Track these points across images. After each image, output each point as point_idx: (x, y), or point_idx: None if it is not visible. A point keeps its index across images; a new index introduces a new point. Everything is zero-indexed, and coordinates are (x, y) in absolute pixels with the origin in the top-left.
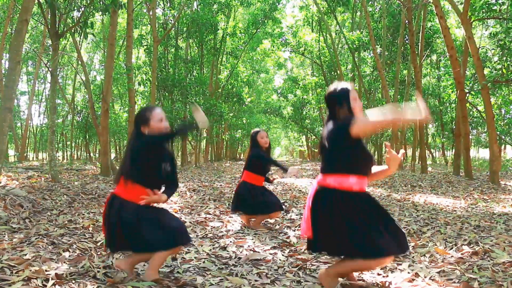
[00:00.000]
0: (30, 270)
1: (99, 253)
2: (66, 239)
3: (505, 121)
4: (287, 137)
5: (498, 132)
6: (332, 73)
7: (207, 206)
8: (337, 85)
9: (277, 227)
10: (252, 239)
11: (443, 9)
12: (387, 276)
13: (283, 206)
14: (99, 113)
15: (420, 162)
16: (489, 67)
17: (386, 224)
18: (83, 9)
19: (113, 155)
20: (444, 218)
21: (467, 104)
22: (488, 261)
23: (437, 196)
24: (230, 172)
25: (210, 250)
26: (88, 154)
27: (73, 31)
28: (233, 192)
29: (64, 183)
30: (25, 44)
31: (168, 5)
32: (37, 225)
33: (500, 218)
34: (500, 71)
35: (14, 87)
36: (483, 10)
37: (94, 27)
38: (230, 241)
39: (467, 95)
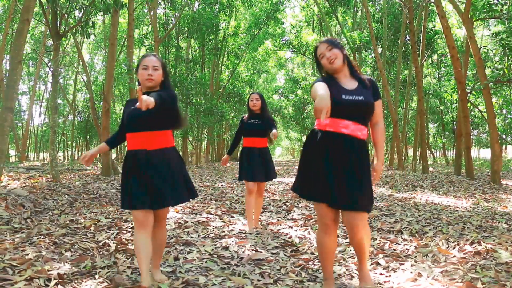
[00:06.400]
0: (32, 270)
1: (101, 253)
2: (68, 239)
3: (507, 121)
4: (288, 138)
5: (499, 132)
6: None
7: (209, 206)
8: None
9: (279, 227)
10: (254, 239)
11: (444, 9)
12: (390, 276)
13: (265, 178)
14: (100, 113)
15: (421, 162)
16: (490, 67)
17: (334, 174)
18: (84, 9)
19: (114, 155)
20: (446, 218)
21: (468, 104)
22: (491, 261)
23: (438, 196)
24: (231, 172)
25: (212, 250)
26: None
27: (74, 31)
28: (234, 192)
29: (65, 183)
30: (26, 44)
31: (169, 5)
32: (38, 225)
33: (502, 218)
34: (502, 71)
35: (15, 87)
36: (485, 10)
37: (95, 27)
38: (232, 241)
39: (469, 95)
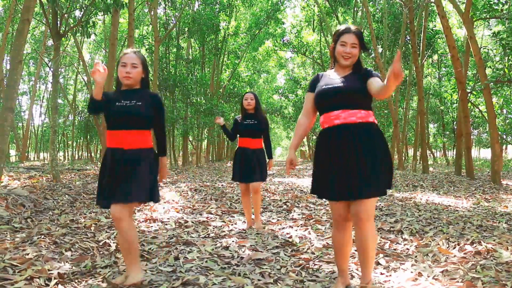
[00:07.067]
0: (33, 270)
1: (101, 252)
2: (68, 239)
3: (507, 121)
4: (288, 138)
5: (499, 132)
6: None
7: (209, 206)
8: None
9: (279, 226)
10: (254, 238)
11: (444, 9)
12: (390, 275)
13: (250, 179)
14: None
15: (421, 162)
16: (490, 67)
17: (334, 167)
18: (85, 8)
19: None
20: (447, 218)
21: (469, 104)
22: (491, 260)
23: (439, 196)
24: (231, 173)
25: (213, 249)
26: (89, 154)
27: (74, 31)
28: (234, 192)
29: (66, 183)
30: (26, 44)
31: (169, 5)
32: (39, 225)
33: (502, 218)
34: (502, 71)
35: (16, 87)
36: (485, 10)
37: (95, 26)
38: (233, 241)
39: (469, 95)
